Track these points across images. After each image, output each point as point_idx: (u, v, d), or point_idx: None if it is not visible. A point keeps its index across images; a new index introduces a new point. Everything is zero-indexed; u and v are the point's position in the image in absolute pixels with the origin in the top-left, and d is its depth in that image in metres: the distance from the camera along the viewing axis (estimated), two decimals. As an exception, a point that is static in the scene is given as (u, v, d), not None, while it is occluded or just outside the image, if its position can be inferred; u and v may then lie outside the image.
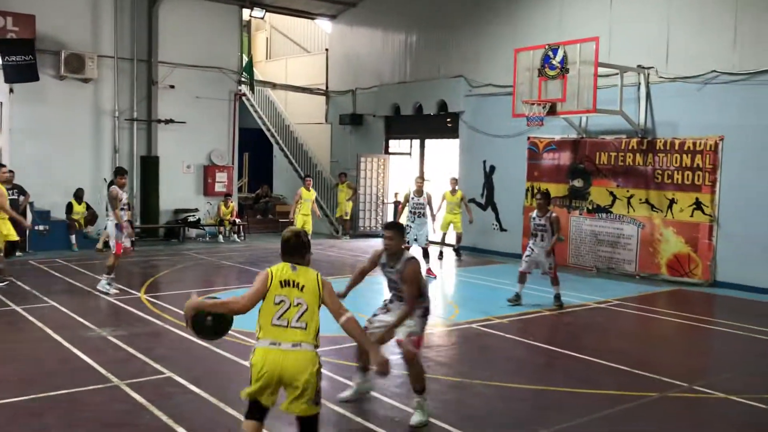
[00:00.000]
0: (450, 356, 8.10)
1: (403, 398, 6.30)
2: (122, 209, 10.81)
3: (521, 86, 13.33)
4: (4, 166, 12.30)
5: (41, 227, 15.26)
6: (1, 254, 11.09)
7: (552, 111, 12.86)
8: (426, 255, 13.21)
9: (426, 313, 6.06)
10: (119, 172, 11.02)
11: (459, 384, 6.90)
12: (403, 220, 13.37)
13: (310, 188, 16.50)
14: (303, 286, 4.38)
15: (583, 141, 14.53)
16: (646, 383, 6.97)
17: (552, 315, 10.15)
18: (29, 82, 15.60)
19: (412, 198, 13.31)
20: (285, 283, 4.39)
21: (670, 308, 11.01)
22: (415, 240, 13.16)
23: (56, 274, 12.53)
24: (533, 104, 12.96)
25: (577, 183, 14.60)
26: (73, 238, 15.70)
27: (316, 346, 4.39)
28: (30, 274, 12.42)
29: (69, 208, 15.90)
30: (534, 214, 10.72)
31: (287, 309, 4.34)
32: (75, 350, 7.55)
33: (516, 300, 10.59)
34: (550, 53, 12.76)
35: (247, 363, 7.13)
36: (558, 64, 12.64)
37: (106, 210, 11.07)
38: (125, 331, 8.46)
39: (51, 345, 7.84)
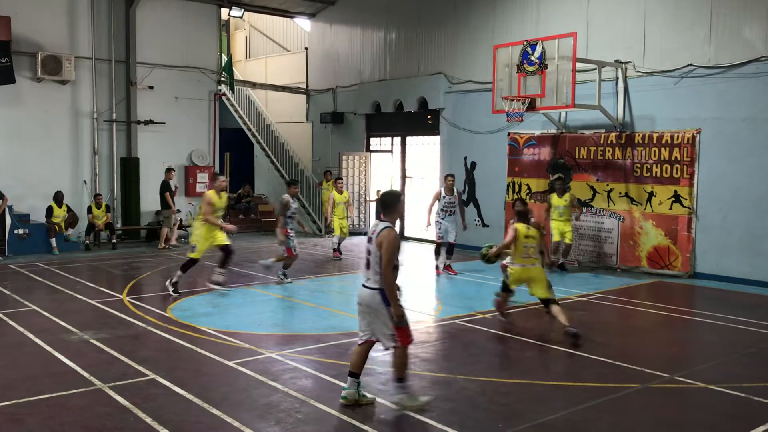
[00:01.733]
0: (433, 352, 8.14)
1: (387, 395, 6.32)
2: (290, 217, 12.22)
3: (500, 82, 13.40)
4: None
5: (21, 231, 15.12)
6: None
7: (531, 107, 12.94)
8: (450, 251, 13.52)
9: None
10: (292, 182, 12.79)
11: (442, 380, 6.93)
12: (431, 218, 13.49)
13: (343, 190, 16.00)
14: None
15: (562, 136, 14.64)
16: (628, 375, 7.06)
17: (534, 309, 10.21)
18: (5, 85, 15.44)
19: (444, 197, 13.37)
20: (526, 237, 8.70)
21: (651, 300, 11.14)
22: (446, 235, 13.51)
23: (37, 277, 12.42)
24: (513, 100, 13.03)
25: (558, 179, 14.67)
26: (53, 241, 15.57)
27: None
28: (10, 278, 12.30)
29: (49, 211, 15.76)
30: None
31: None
32: (57, 354, 7.50)
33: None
34: (529, 49, 12.83)
35: (231, 363, 7.16)
36: (536, 60, 12.71)
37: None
38: (107, 333, 8.41)
39: (32, 349, 7.78)
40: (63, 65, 16.47)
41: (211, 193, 11.14)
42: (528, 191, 15.16)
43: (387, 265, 5.74)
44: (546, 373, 7.25)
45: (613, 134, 13.72)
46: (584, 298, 11.00)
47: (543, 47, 12.64)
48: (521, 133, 15.29)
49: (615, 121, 13.54)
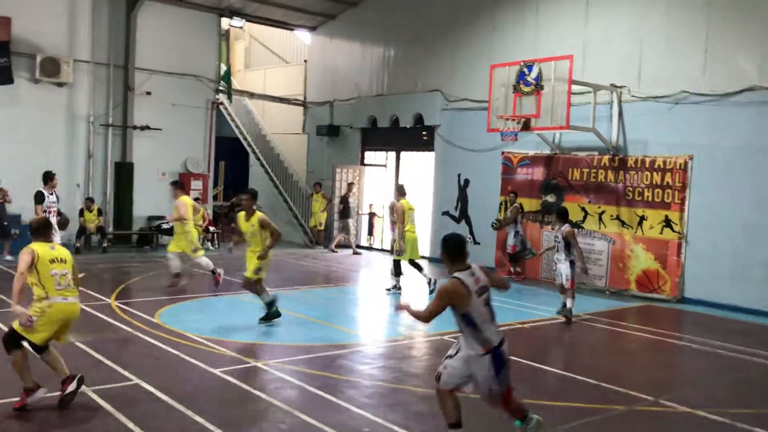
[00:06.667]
0: (421, 367, 8.13)
1: (372, 408, 6.31)
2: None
3: (496, 101, 13.49)
4: None
5: (12, 231, 15.05)
6: None
7: (526, 127, 13.02)
8: (515, 260, 14.77)
9: None
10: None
11: (429, 395, 6.91)
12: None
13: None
14: None
15: (556, 157, 14.72)
16: (614, 397, 7.07)
17: (523, 328, 10.24)
18: (3, 85, 15.44)
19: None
20: None
21: (639, 323, 11.16)
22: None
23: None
24: (508, 119, 13.11)
25: (550, 198, 14.77)
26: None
27: None
28: (-2, 278, 12.24)
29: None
30: (556, 228, 11.05)
31: None
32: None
33: (563, 309, 10.69)
34: (526, 70, 12.93)
35: (217, 371, 7.13)
36: (533, 81, 12.80)
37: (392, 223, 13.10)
38: (93, 337, 8.37)
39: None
40: (61, 68, 16.48)
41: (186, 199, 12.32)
42: (521, 210, 15.18)
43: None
44: (532, 392, 7.24)
45: (607, 157, 13.81)
46: (572, 320, 11.01)
47: (540, 68, 12.74)
48: (515, 152, 15.37)
49: (608, 144, 13.64)
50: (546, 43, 14.64)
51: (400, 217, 12.73)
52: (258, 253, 9.52)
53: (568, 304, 10.64)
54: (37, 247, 5.96)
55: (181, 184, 13.39)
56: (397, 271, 12.86)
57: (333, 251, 18.45)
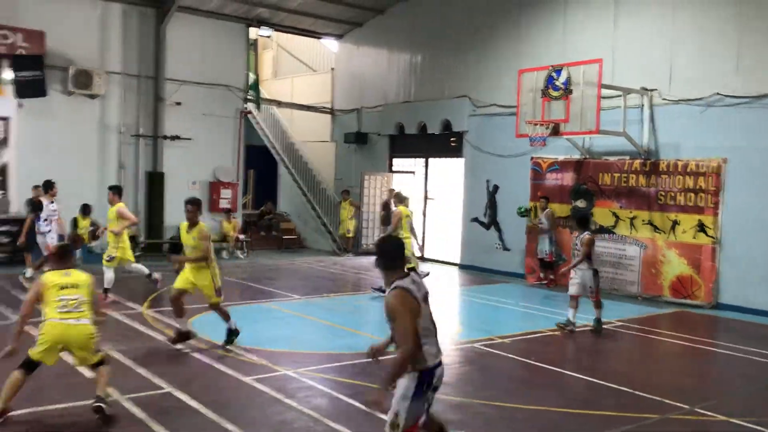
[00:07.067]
0: (451, 375, 8.06)
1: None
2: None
3: (525, 107, 13.41)
4: None
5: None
6: None
7: (555, 131, 12.92)
8: (548, 266, 14.75)
9: None
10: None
11: (460, 404, 6.87)
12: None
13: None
14: None
15: (586, 162, 14.57)
16: (647, 405, 6.95)
17: (553, 335, 10.12)
18: (38, 98, 15.76)
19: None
20: None
21: (673, 330, 10.98)
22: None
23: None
24: (537, 124, 13.03)
25: (580, 203, 14.62)
26: (77, 252, 15.71)
27: None
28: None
29: (74, 222, 15.95)
30: (574, 235, 10.80)
31: None
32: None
33: (566, 325, 10.19)
34: (554, 74, 12.84)
35: (248, 379, 7.16)
36: (561, 86, 12.71)
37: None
38: (126, 345, 8.47)
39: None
40: (93, 80, 16.76)
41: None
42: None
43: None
44: (564, 400, 7.16)
45: (638, 161, 13.63)
46: (604, 326, 10.85)
47: (568, 73, 12.64)
48: (544, 157, 15.24)
49: (640, 148, 13.46)
50: (574, 47, 14.51)
51: (395, 223, 12.73)
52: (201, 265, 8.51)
53: (596, 315, 10.34)
54: (49, 276, 6.20)
55: (119, 189, 12.62)
56: None
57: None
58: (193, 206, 8.68)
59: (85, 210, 16.10)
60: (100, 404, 5.85)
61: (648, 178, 13.50)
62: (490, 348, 9.18)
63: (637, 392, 7.29)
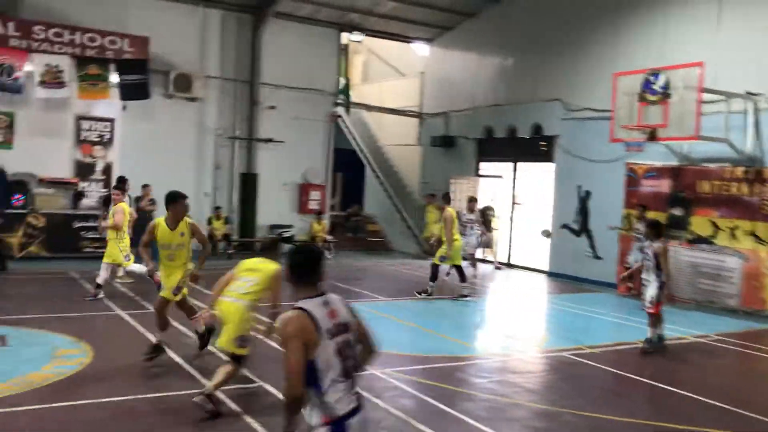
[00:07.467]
0: (539, 383, 7.96)
1: (489, 422, 6.22)
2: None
3: (620, 111, 13.07)
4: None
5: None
6: None
7: (652, 137, 12.54)
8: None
9: None
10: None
11: (547, 412, 6.76)
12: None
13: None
14: None
15: (684, 168, 14.02)
16: (745, 422, 6.63)
17: (647, 347, 9.77)
18: (141, 100, 16.54)
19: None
20: None
21: (776, 347, 10.41)
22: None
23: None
24: (632, 129, 12.67)
25: (677, 212, 14.07)
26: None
27: None
28: (132, 281, 13.03)
29: (208, 222, 16.68)
30: (645, 243, 9.77)
31: None
32: (173, 355, 7.88)
33: (659, 341, 9.41)
34: (651, 78, 12.45)
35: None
36: (659, 89, 12.31)
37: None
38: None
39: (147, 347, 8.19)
40: (193, 83, 17.50)
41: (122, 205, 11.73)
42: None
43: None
44: (656, 413, 6.92)
45: (740, 169, 13.00)
46: (701, 339, 10.43)
47: (667, 76, 12.23)
48: (640, 163, 14.75)
49: (743, 155, 12.84)
50: (674, 50, 13.97)
51: (449, 224, 12.79)
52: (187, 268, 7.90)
53: (648, 334, 9.38)
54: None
55: (124, 190, 12.41)
56: (433, 276, 13.00)
57: (498, 268, 18.08)
58: (183, 199, 7.75)
59: (218, 212, 16.94)
60: (201, 399, 6.01)
61: (751, 187, 12.85)
62: (578, 357, 8.97)
63: (734, 409, 6.97)
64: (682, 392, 7.57)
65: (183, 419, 5.98)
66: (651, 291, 9.35)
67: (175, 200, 7.71)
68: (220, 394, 6.39)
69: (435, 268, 13.09)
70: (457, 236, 13.09)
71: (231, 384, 6.67)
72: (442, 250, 12.96)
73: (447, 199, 13.67)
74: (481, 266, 16.75)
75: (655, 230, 9.54)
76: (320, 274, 3.68)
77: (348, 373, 3.56)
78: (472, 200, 16.37)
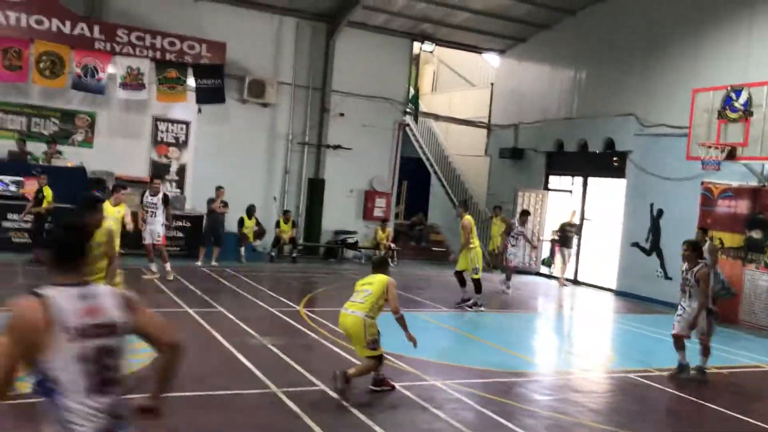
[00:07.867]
0: (602, 403, 7.76)
1: None
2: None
3: (698, 128, 12.69)
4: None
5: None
6: None
7: (731, 156, 12.13)
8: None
9: None
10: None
11: (611, 433, 6.58)
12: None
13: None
14: None
15: (764, 189, 13.45)
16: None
17: (718, 373, 9.41)
18: (216, 104, 16.99)
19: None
20: None
21: None
22: None
23: (225, 282, 13.41)
24: (710, 147, 12.26)
25: (756, 234, 13.50)
26: (242, 250, 16.73)
27: None
28: (202, 280, 13.37)
29: (240, 222, 16.99)
30: (684, 266, 8.86)
31: None
32: (238, 354, 8.03)
33: (680, 372, 8.81)
34: (733, 95, 12.04)
35: (396, 385, 7.27)
36: (741, 107, 11.89)
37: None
38: (283, 341, 8.88)
39: (217, 347, 8.39)
40: (266, 89, 17.86)
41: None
42: (720, 245, 14.04)
43: None
44: (728, 443, 6.65)
45: (826, 192, 12.42)
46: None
47: (749, 93, 11.80)
48: (717, 183, 14.23)
49: (829, 178, 12.27)
50: (759, 65, 13.44)
51: (468, 233, 12.56)
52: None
53: (690, 363, 8.78)
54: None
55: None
56: (477, 288, 12.65)
57: (563, 284, 17.53)
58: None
59: (251, 211, 17.12)
60: (340, 374, 6.68)
61: (837, 211, 12.25)
62: (645, 379, 8.70)
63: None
64: (752, 421, 7.24)
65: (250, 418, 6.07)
66: (701, 322, 8.67)
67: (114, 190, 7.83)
68: (282, 395, 6.48)
69: (475, 282, 12.73)
70: (475, 243, 12.78)
71: (294, 387, 6.76)
72: (473, 261, 12.71)
73: (465, 206, 13.56)
74: (523, 279, 16.41)
75: (697, 252, 8.92)
76: (87, 257, 2.99)
77: (99, 388, 2.79)
78: (525, 213, 16.20)
